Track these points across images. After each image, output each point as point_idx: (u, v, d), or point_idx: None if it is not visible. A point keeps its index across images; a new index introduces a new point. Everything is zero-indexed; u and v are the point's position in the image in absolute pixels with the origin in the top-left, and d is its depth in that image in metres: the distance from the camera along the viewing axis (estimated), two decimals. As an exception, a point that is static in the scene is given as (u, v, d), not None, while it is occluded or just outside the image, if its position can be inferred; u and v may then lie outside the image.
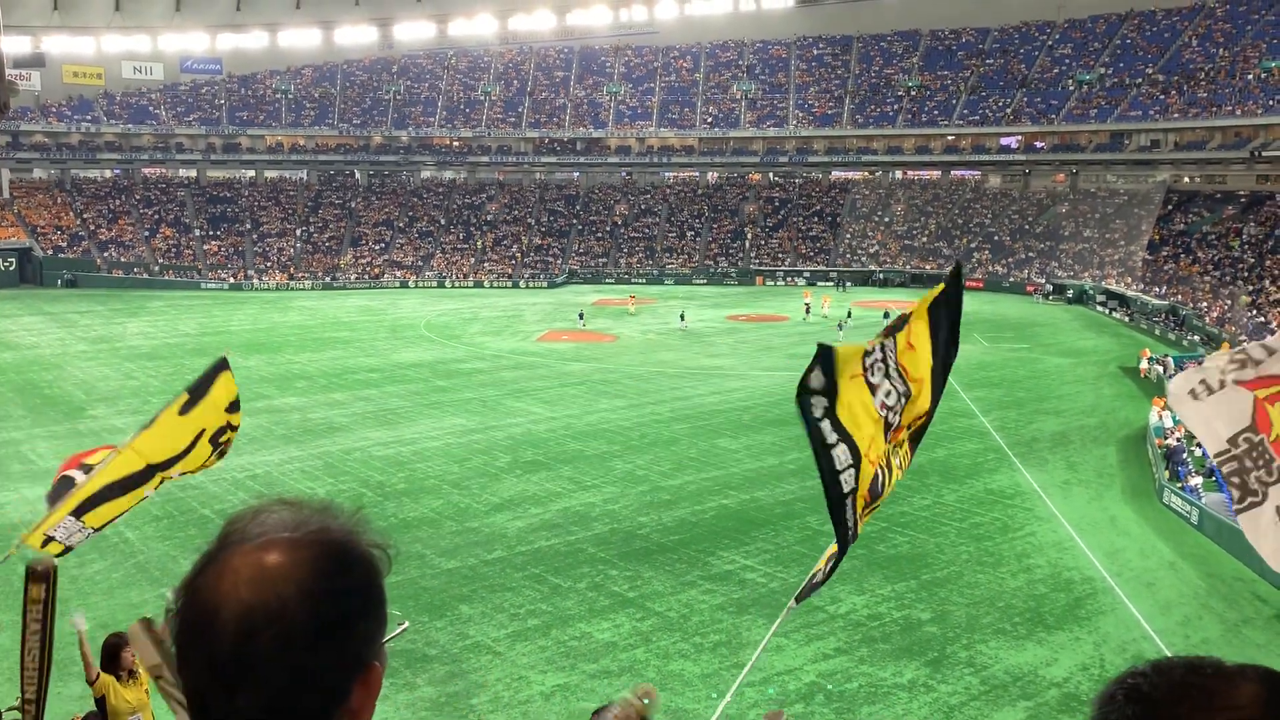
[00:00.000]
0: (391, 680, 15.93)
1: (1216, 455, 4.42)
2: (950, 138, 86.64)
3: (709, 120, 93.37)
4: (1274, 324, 45.08)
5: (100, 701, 8.90)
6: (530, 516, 24.11)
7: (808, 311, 59.85)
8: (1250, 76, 72.35)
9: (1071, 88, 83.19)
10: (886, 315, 55.78)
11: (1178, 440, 28.82)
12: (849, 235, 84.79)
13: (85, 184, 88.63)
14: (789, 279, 79.23)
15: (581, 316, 57.57)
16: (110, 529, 26.00)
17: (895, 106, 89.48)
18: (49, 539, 6.77)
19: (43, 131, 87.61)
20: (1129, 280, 65.61)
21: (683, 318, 56.23)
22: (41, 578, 2.06)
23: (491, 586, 19.84)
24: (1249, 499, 4.32)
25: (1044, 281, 71.79)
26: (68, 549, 7.00)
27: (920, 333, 5.54)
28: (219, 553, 1.36)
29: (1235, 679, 1.07)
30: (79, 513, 7.04)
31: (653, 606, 18.94)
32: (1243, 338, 43.97)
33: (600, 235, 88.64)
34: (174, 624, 1.34)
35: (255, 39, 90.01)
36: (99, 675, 8.87)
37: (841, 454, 4.99)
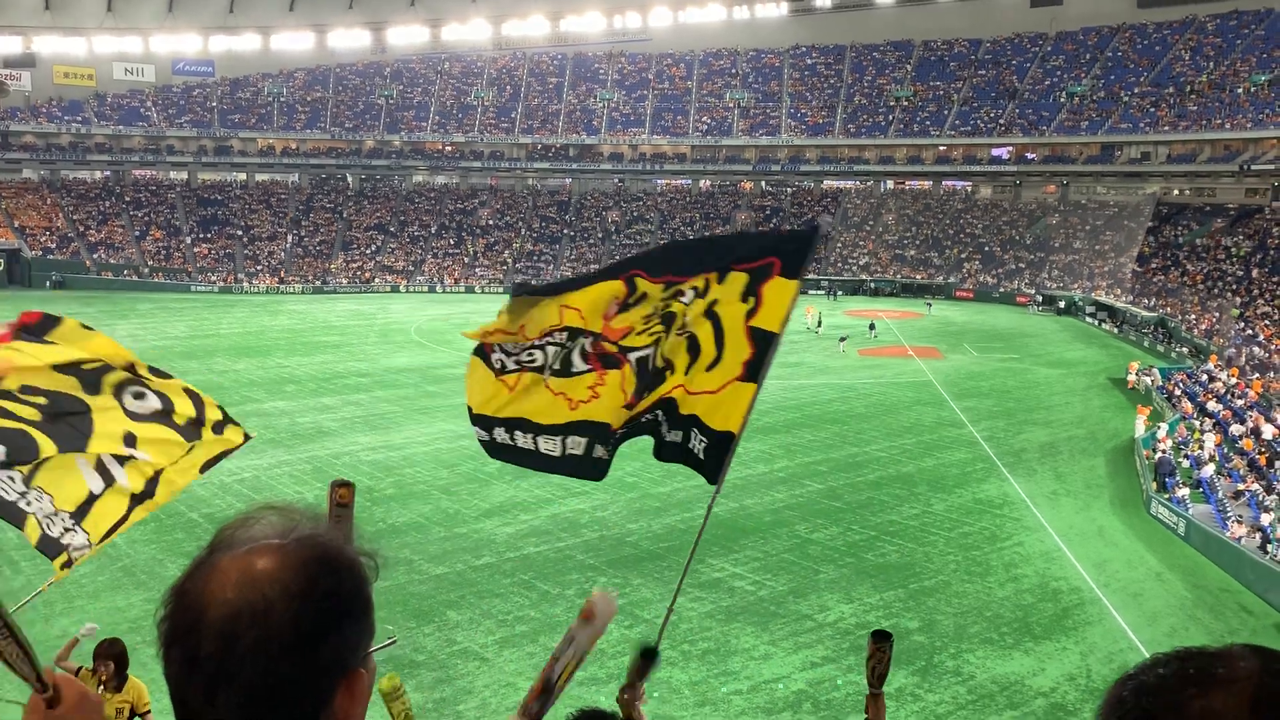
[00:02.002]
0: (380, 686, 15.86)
1: None
2: (942, 148, 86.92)
3: (702, 128, 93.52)
4: (1262, 336, 45.28)
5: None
6: (519, 523, 24.07)
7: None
8: (1240, 91, 72.82)
9: (1063, 100, 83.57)
10: (872, 326, 55.67)
11: (1165, 452, 28.93)
12: (840, 245, 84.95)
13: (75, 185, 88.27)
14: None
15: None
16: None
17: (887, 117, 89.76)
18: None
19: (32, 132, 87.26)
20: (1118, 292, 65.85)
21: None
22: None
23: (480, 593, 19.79)
24: None
25: (1034, 292, 72.05)
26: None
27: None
28: (209, 557, 1.37)
29: (1228, 657, 1.13)
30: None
31: (641, 614, 18.91)
32: (1231, 350, 44.14)
33: (592, 241, 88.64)
34: (163, 626, 1.35)
35: (248, 41, 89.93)
36: (80, 669, 8.83)
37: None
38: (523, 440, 5.48)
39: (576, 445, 5.30)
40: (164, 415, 5.90)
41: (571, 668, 3.08)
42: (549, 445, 5.37)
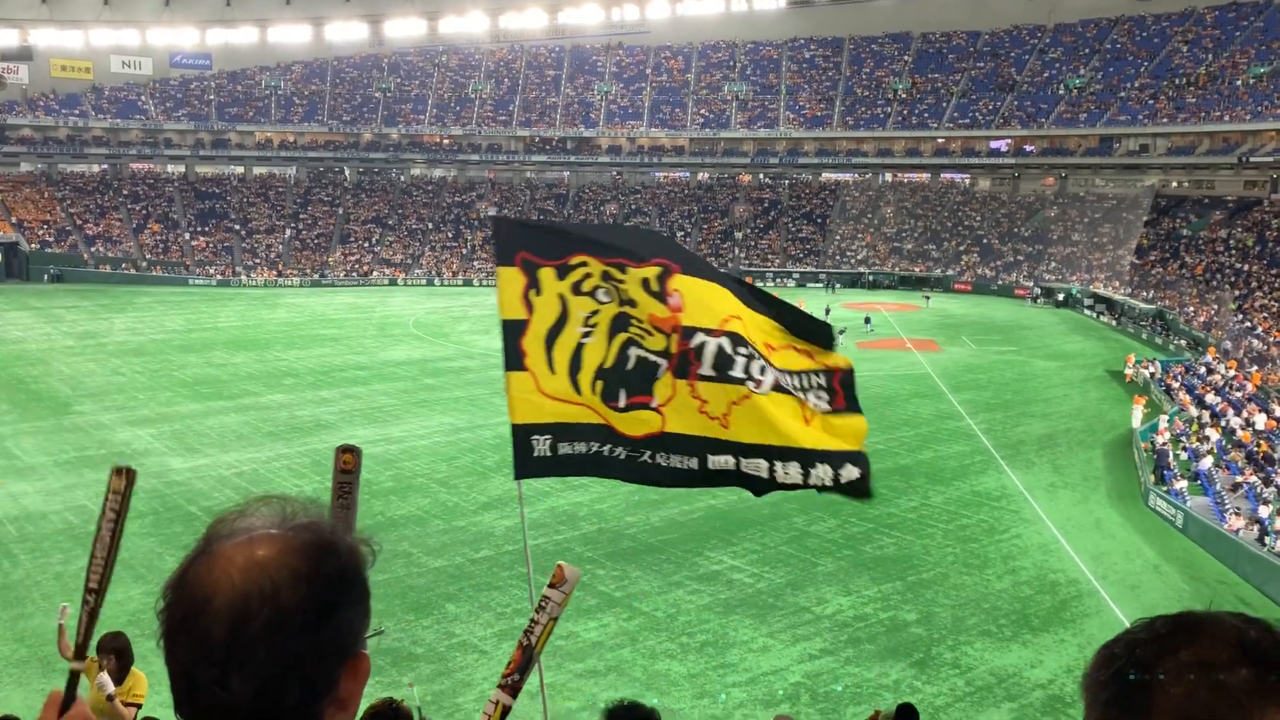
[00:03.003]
0: (378, 678, 15.90)
1: None
2: (940, 140, 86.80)
3: (700, 121, 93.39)
4: (1260, 329, 45.31)
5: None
6: (518, 516, 24.05)
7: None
8: (1239, 82, 72.70)
9: (1061, 92, 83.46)
10: (868, 320, 55.47)
11: (1164, 444, 28.96)
12: (838, 237, 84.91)
13: (72, 178, 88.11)
14: (778, 280, 79.30)
15: None
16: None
17: (885, 109, 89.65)
18: None
19: (30, 125, 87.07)
20: (1116, 284, 65.85)
21: None
22: (122, 471, 2.20)
23: (478, 585, 19.82)
24: None
25: (1032, 285, 72.04)
26: None
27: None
28: (207, 547, 1.38)
29: (1212, 615, 1.21)
30: None
31: (640, 606, 18.95)
32: (1228, 343, 44.18)
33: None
34: (162, 616, 1.34)
35: (245, 34, 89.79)
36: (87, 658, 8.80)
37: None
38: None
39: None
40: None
41: (547, 633, 3.13)
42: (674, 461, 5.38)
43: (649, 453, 5.31)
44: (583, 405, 5.29)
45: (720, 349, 5.16)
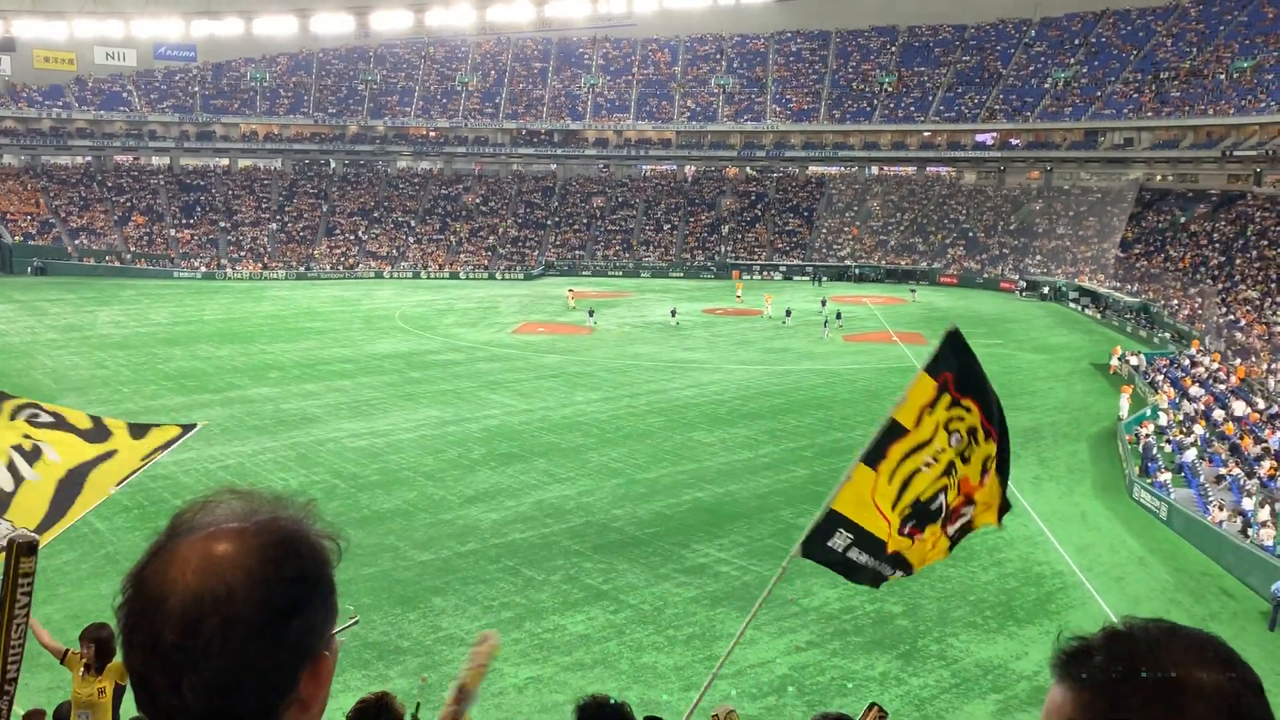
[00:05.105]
0: (364, 672, 15.88)
1: None
2: (926, 134, 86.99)
3: (686, 114, 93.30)
4: (1243, 321, 45.58)
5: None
6: (505, 509, 24.07)
7: (788, 313, 56.02)
8: (1222, 76, 73.03)
9: (1046, 85, 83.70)
10: (839, 315, 54.73)
11: (1148, 437, 29.12)
12: (825, 230, 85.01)
13: (56, 170, 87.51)
14: (765, 273, 79.40)
15: (591, 313, 55.11)
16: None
17: (872, 102, 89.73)
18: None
19: (12, 117, 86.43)
20: (1101, 277, 66.14)
21: (673, 314, 55.31)
22: (29, 549, 2.09)
23: (465, 579, 19.81)
24: None
25: (1018, 278, 72.29)
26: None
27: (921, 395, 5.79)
28: (167, 542, 1.35)
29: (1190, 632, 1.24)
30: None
31: (626, 599, 18.97)
32: (1208, 336, 44.41)
33: (577, 227, 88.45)
34: (121, 613, 1.32)
35: (230, 26, 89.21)
36: (67, 651, 8.81)
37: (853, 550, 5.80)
38: (853, 553, 5.83)
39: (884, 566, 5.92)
40: (62, 424, 6.43)
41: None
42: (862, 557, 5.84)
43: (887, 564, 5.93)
44: (886, 520, 5.73)
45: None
